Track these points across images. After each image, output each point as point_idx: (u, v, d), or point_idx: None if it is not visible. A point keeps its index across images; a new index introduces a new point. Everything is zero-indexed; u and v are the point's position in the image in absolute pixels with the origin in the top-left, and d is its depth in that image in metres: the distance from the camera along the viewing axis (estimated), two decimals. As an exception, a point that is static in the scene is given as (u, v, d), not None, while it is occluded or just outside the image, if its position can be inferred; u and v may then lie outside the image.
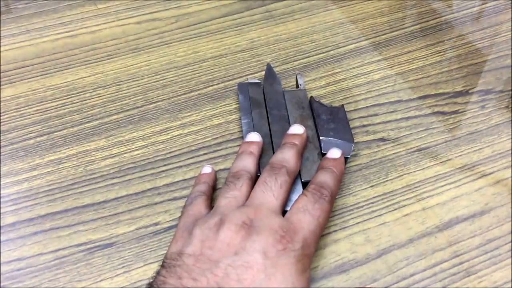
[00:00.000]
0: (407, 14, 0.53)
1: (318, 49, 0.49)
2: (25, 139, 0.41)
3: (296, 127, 0.37)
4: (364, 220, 0.36)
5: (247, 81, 0.44)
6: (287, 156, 0.34)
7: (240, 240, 0.29)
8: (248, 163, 0.35)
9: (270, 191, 0.32)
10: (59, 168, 0.39)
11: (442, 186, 0.38)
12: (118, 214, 0.36)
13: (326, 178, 0.34)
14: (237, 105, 0.43)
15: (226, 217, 0.30)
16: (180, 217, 0.34)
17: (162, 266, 0.29)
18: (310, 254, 0.30)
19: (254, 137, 0.37)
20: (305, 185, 0.35)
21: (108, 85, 0.45)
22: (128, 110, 0.43)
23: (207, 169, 0.37)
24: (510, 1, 0.54)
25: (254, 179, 0.34)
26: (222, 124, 0.42)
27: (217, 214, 0.31)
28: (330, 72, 0.46)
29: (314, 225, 0.31)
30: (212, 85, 0.45)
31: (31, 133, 0.41)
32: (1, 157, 0.40)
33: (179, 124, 0.42)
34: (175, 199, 0.37)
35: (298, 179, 0.35)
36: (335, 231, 0.35)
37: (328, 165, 0.35)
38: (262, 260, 0.28)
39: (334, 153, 0.36)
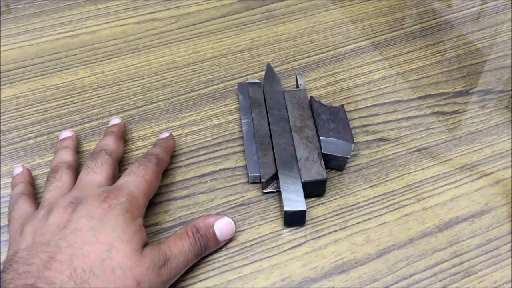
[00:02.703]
0: (407, 14, 0.53)
1: (318, 49, 0.49)
2: (25, 139, 0.41)
3: (113, 120, 0.40)
4: (364, 220, 0.36)
5: (247, 81, 0.44)
6: (105, 141, 0.37)
7: (68, 216, 0.30)
8: (64, 156, 0.36)
9: (92, 171, 0.34)
10: (59, 168, 0.39)
11: (442, 186, 0.38)
12: (118, 214, 0.36)
13: (154, 150, 0.37)
14: (237, 105, 0.43)
15: (53, 205, 0.31)
16: (8, 225, 0.33)
17: (1, 271, 0.28)
18: (139, 206, 0.31)
19: (66, 133, 0.39)
20: (305, 185, 0.35)
21: (108, 85, 0.45)
22: (128, 110, 0.43)
23: (18, 169, 0.37)
24: (510, 1, 0.54)
25: (75, 168, 0.36)
26: (222, 124, 0.42)
27: (44, 206, 0.31)
28: (330, 72, 0.46)
29: (139, 181, 0.32)
30: (212, 85, 0.45)
31: (31, 133, 0.41)
32: (1, 157, 0.40)
33: (179, 124, 0.42)
34: (174, 199, 0.37)
35: (299, 179, 0.35)
36: (335, 231, 0.35)
37: (157, 143, 0.38)
38: (88, 222, 0.29)
39: (164, 134, 0.39)
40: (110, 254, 0.28)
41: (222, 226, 0.33)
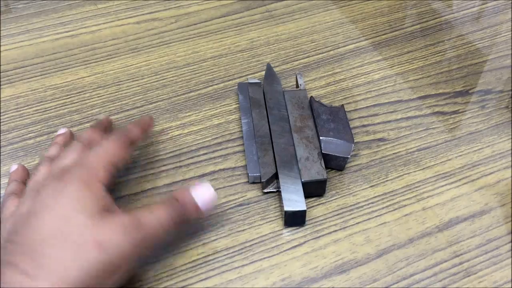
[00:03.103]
0: (407, 14, 0.53)
1: (318, 49, 0.49)
2: (24, 139, 0.41)
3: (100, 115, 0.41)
4: (364, 220, 0.36)
5: (247, 81, 0.44)
6: (82, 133, 0.36)
7: (31, 203, 0.30)
8: (51, 151, 0.36)
9: (61, 158, 0.33)
10: (59, 168, 0.39)
11: (442, 186, 0.38)
12: (118, 214, 0.36)
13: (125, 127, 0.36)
14: (237, 105, 0.43)
15: (24, 197, 0.31)
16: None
17: None
18: (96, 173, 0.31)
19: (60, 131, 0.39)
20: (305, 185, 0.35)
21: (108, 85, 0.45)
22: (128, 110, 0.43)
23: (13, 167, 0.37)
24: (510, 1, 0.54)
25: None
26: (222, 124, 0.42)
27: (21, 201, 0.32)
28: (330, 72, 0.46)
29: (98, 150, 0.32)
30: (212, 85, 0.45)
31: (31, 133, 0.41)
32: (1, 157, 0.40)
33: (179, 124, 0.42)
34: (175, 199, 0.37)
35: (299, 179, 0.35)
36: (335, 231, 0.35)
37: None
38: (45, 201, 0.29)
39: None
40: (66, 224, 0.28)
41: (200, 192, 0.33)
